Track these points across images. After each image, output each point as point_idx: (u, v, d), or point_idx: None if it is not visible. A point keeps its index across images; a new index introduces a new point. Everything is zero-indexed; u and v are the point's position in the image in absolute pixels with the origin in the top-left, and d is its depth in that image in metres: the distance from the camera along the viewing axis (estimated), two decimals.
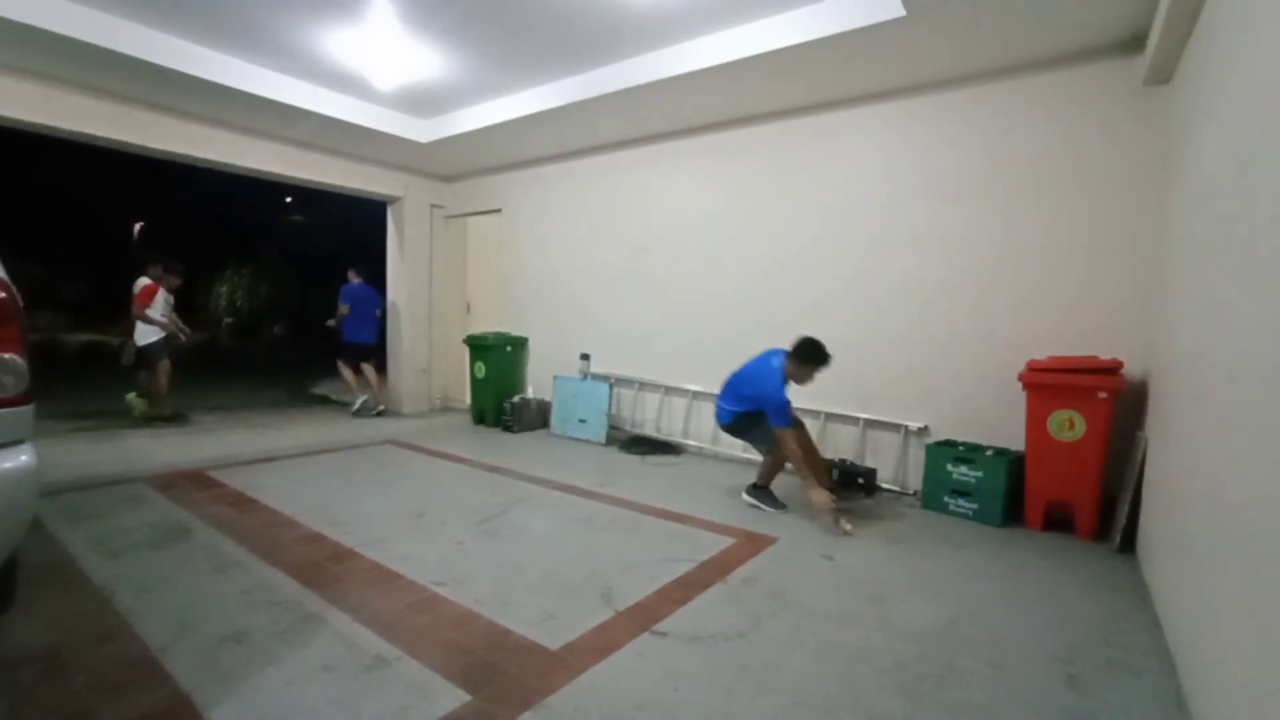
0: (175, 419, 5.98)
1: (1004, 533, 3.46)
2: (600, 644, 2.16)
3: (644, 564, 2.89)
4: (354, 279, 7.01)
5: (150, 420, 5.94)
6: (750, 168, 5.04)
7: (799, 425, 3.83)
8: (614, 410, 5.82)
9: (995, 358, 3.87)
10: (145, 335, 5.88)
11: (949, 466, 3.72)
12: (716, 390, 5.18)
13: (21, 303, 1.87)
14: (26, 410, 1.81)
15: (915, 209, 4.23)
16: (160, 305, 6.02)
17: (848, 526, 3.36)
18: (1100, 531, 3.35)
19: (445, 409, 7.66)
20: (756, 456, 4.91)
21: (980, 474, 3.62)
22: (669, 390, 5.61)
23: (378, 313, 7.13)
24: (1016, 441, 3.68)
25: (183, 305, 6.58)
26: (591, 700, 1.86)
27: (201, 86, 4.65)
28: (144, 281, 6.00)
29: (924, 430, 4.19)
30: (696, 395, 5.39)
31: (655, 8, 3.72)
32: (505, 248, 7.08)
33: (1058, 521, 3.48)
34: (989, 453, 3.69)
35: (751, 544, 3.18)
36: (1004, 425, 3.79)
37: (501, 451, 5.30)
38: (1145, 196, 3.42)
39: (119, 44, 4.09)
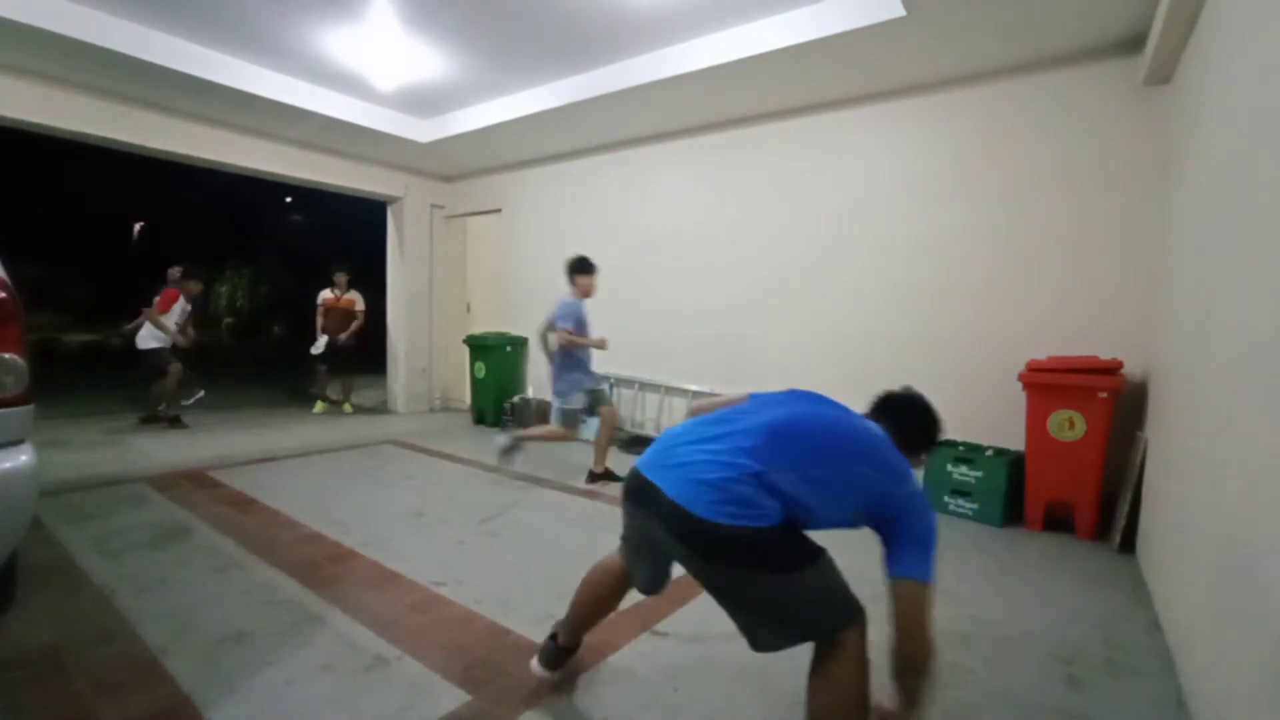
0: (176, 423, 5.95)
1: (1004, 533, 3.46)
2: (600, 644, 2.16)
3: None
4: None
5: (152, 420, 5.93)
6: (751, 168, 5.03)
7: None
8: None
9: (995, 358, 3.86)
10: (145, 340, 5.81)
11: (949, 466, 3.72)
12: (716, 390, 5.23)
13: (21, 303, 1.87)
14: (26, 410, 1.81)
15: (915, 209, 4.22)
16: (176, 314, 5.95)
17: None
18: (1100, 531, 3.35)
19: (445, 409, 7.66)
20: None
21: (980, 474, 3.62)
22: (669, 390, 5.61)
23: None
24: (1016, 441, 3.68)
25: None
26: (591, 700, 1.86)
27: (201, 86, 4.65)
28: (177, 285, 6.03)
29: None
30: (696, 395, 5.38)
31: (655, 8, 3.72)
32: (505, 248, 7.08)
33: (1058, 521, 3.48)
34: (989, 453, 3.69)
35: None
36: (1004, 425, 3.78)
37: None
38: (1145, 196, 3.42)
39: (119, 44, 4.09)
